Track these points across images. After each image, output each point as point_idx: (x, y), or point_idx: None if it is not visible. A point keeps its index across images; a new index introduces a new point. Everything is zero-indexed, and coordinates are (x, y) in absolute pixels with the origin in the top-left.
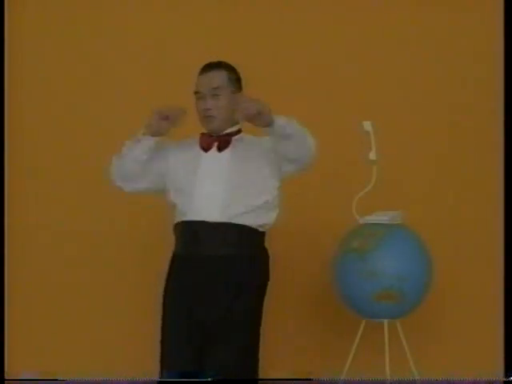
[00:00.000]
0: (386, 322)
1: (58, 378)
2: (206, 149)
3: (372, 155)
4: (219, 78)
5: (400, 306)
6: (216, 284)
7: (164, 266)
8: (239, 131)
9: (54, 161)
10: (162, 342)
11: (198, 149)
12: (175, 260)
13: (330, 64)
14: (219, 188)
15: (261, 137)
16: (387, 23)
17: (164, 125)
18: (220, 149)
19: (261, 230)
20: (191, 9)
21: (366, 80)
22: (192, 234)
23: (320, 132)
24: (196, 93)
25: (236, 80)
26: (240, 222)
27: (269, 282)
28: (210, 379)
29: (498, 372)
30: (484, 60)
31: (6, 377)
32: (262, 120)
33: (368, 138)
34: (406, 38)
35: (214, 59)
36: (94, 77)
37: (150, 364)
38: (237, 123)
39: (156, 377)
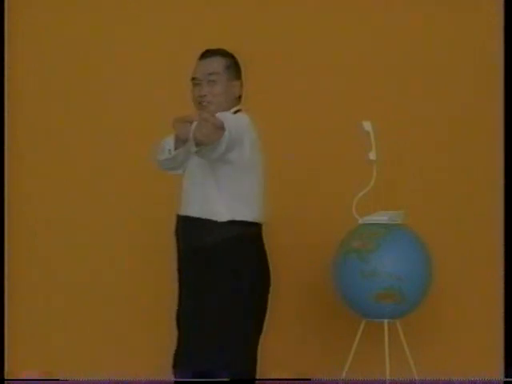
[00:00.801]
0: (386, 322)
1: (58, 378)
2: None
3: (372, 155)
4: (216, 64)
5: (400, 306)
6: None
7: (165, 267)
8: (238, 111)
9: (54, 161)
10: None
11: None
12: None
13: (330, 64)
14: (200, 181)
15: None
16: (387, 23)
17: (185, 132)
18: None
19: (218, 220)
20: (191, 7)
21: (365, 80)
22: (178, 227)
23: (320, 132)
24: (193, 79)
25: (234, 67)
26: (223, 219)
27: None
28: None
29: (498, 372)
30: (484, 60)
31: (6, 377)
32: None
33: (368, 137)
34: (406, 38)
35: None
36: (94, 76)
37: (150, 364)
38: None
39: (156, 377)
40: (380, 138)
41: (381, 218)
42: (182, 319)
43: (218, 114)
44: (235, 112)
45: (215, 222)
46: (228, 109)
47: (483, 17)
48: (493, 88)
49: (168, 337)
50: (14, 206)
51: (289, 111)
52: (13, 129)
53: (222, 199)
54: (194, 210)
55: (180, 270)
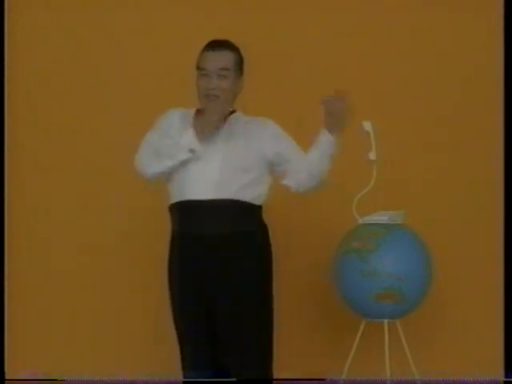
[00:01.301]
0: (386, 322)
1: (58, 378)
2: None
3: (372, 155)
4: (228, 58)
5: (400, 306)
6: (218, 261)
7: (162, 269)
8: (233, 111)
9: (53, 160)
10: (180, 338)
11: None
12: (175, 239)
13: (330, 64)
14: (214, 167)
15: (257, 118)
16: (387, 23)
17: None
18: None
19: (257, 203)
20: (191, 7)
21: (365, 80)
22: (190, 212)
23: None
24: (200, 69)
25: (240, 64)
26: (236, 198)
27: (272, 254)
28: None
29: (498, 372)
30: (484, 60)
31: (6, 377)
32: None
33: (368, 137)
34: (406, 38)
35: None
36: (95, 75)
37: (150, 364)
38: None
39: (155, 377)
40: (380, 138)
41: (381, 217)
42: (226, 323)
43: None
44: (231, 112)
45: (253, 206)
46: (231, 104)
47: (483, 17)
48: (493, 88)
49: (169, 337)
50: (14, 206)
51: (288, 111)
52: (13, 128)
53: (253, 181)
54: (228, 193)
55: (195, 262)
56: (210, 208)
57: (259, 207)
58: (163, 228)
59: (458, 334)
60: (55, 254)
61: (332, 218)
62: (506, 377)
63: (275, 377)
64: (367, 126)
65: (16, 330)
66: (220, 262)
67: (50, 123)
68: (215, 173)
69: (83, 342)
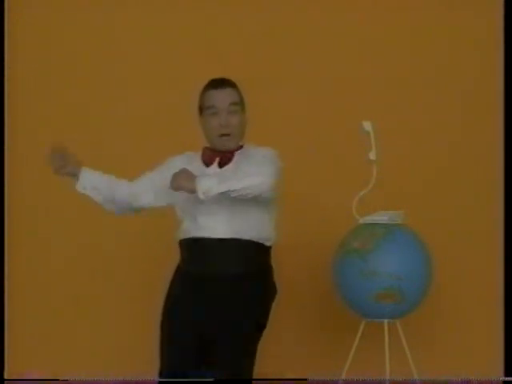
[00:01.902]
0: (386, 322)
1: (58, 378)
2: (208, 164)
3: (372, 155)
4: (236, 95)
5: (400, 305)
6: (223, 301)
7: (166, 269)
8: (241, 146)
9: None
10: (162, 345)
11: (199, 164)
12: (180, 274)
13: (330, 64)
14: (222, 204)
15: (260, 147)
16: (387, 22)
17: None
18: (221, 165)
19: (266, 244)
20: (191, 10)
21: (366, 80)
22: (198, 251)
23: (320, 132)
24: (209, 107)
25: (243, 99)
26: (245, 237)
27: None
28: (211, 379)
29: (498, 372)
30: (484, 60)
31: (6, 377)
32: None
33: (368, 137)
34: (406, 38)
35: (214, 61)
36: (95, 75)
37: (150, 364)
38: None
39: (155, 377)
40: (380, 138)
41: (381, 217)
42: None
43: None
44: (239, 147)
45: (263, 246)
46: (242, 139)
47: (483, 17)
48: (493, 88)
49: None
50: (14, 206)
51: (289, 111)
52: (13, 128)
53: (270, 223)
54: (243, 233)
55: (187, 299)
56: (216, 247)
57: (268, 248)
58: (163, 228)
59: (458, 334)
60: (55, 254)
61: (332, 218)
62: (506, 377)
63: (275, 377)
64: (367, 125)
65: (16, 330)
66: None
67: (50, 123)
68: (222, 211)
69: (83, 342)
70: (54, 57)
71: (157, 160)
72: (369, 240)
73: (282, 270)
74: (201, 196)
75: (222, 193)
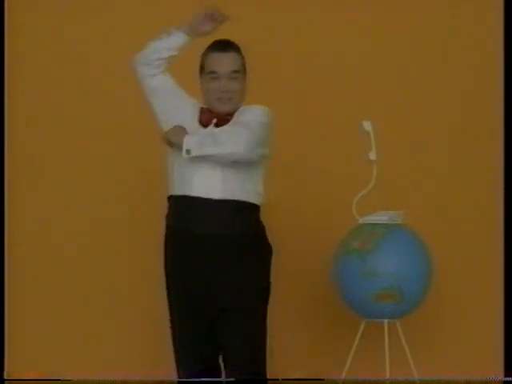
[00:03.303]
0: (386, 321)
1: (59, 378)
2: (204, 125)
3: (372, 155)
4: (237, 61)
5: (400, 305)
6: (219, 259)
7: None
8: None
9: (53, 160)
10: (175, 338)
11: (196, 121)
12: (171, 233)
13: (330, 64)
14: (215, 165)
15: (253, 105)
16: (387, 22)
17: (207, 26)
18: (217, 126)
19: (257, 203)
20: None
21: (366, 80)
22: (190, 210)
23: (320, 132)
24: (211, 72)
25: (245, 63)
26: (237, 198)
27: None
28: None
29: (498, 372)
30: (484, 60)
31: (6, 377)
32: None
33: (368, 137)
34: (406, 38)
35: None
36: (95, 75)
37: (150, 364)
38: None
39: (155, 376)
40: (380, 138)
41: (381, 217)
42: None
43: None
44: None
45: (254, 205)
46: (241, 104)
47: (483, 17)
48: (493, 88)
49: (170, 336)
50: (13, 206)
51: (289, 111)
52: (13, 128)
53: (258, 182)
54: (231, 193)
55: (190, 262)
56: (208, 207)
57: (258, 207)
58: (164, 225)
59: (458, 334)
60: (55, 254)
61: (332, 218)
62: (506, 377)
63: (275, 376)
64: (367, 125)
65: (16, 330)
66: (218, 263)
67: (50, 123)
68: (216, 172)
69: (83, 342)
70: (53, 57)
71: (157, 160)
72: (369, 240)
73: (282, 269)
74: (183, 155)
75: (201, 156)
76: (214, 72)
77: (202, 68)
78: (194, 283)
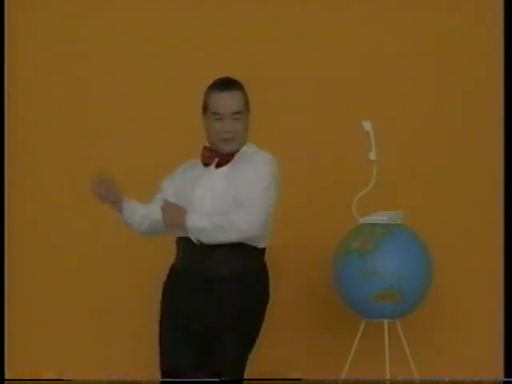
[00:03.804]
0: (386, 322)
1: (59, 378)
2: (206, 164)
3: (372, 155)
4: (240, 100)
5: (400, 306)
6: (215, 302)
7: (164, 268)
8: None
9: (53, 160)
10: (161, 345)
11: (200, 166)
12: (174, 272)
13: (330, 64)
14: (215, 204)
15: (259, 152)
16: (387, 23)
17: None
18: (218, 166)
19: (259, 247)
20: (193, 9)
21: (366, 80)
22: (192, 250)
23: (320, 132)
24: (213, 113)
25: (248, 101)
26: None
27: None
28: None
29: (498, 372)
30: (484, 60)
31: (6, 377)
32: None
33: (368, 137)
34: (405, 39)
35: (214, 61)
36: (95, 75)
37: (150, 364)
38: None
39: (155, 377)
40: (380, 137)
41: (381, 217)
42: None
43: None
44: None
45: (255, 248)
46: (245, 142)
47: (483, 17)
48: (493, 88)
49: None
50: (13, 206)
51: (289, 111)
52: (13, 128)
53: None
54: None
55: (186, 303)
56: (208, 248)
57: (261, 250)
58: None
59: (458, 334)
60: (55, 254)
61: (332, 218)
62: (506, 377)
63: (275, 376)
64: (367, 125)
65: (16, 329)
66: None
67: (50, 123)
68: (216, 211)
69: (83, 342)
70: (54, 57)
71: (157, 160)
72: (369, 240)
73: (282, 269)
74: (194, 240)
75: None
76: (216, 113)
77: (204, 107)
78: (187, 311)
